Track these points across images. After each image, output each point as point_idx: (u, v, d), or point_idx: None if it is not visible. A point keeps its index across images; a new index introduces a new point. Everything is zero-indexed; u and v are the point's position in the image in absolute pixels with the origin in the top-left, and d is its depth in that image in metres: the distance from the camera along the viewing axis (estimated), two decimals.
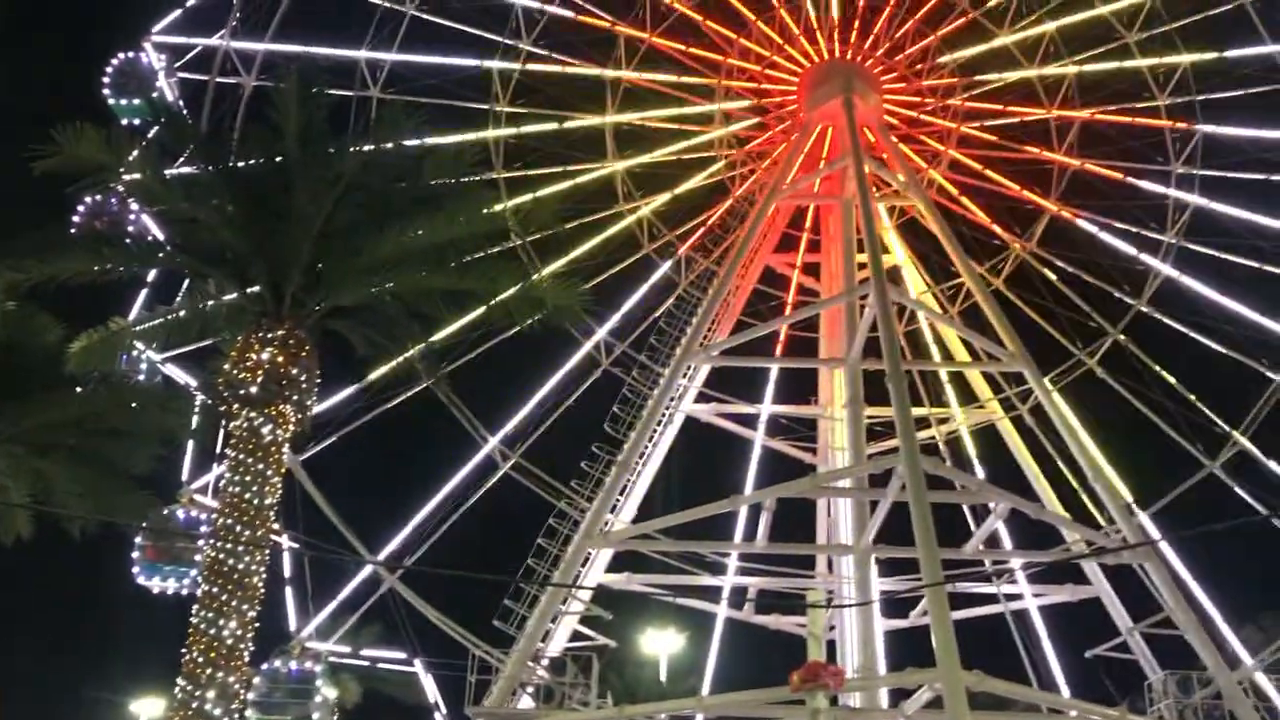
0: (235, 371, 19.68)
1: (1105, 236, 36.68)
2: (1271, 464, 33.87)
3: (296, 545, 31.11)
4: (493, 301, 22.10)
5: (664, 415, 31.71)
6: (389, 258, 20.57)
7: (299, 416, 19.96)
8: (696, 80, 37.43)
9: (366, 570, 32.46)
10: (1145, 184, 36.69)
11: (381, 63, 36.40)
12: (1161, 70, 36.61)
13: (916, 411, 32.74)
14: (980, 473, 34.97)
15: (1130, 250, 36.44)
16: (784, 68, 37.63)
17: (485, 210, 22.82)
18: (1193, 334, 35.43)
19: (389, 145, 21.58)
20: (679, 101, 37.42)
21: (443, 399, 34.02)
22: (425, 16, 36.82)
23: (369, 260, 20.41)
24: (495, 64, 36.78)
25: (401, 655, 32.97)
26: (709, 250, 36.79)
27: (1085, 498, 31.33)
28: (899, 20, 37.49)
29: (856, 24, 37.61)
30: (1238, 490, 33.85)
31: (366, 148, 21.41)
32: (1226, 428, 34.53)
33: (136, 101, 33.71)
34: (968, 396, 36.24)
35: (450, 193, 21.92)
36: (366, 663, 34.03)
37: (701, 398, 34.04)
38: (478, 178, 26.55)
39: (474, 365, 33.62)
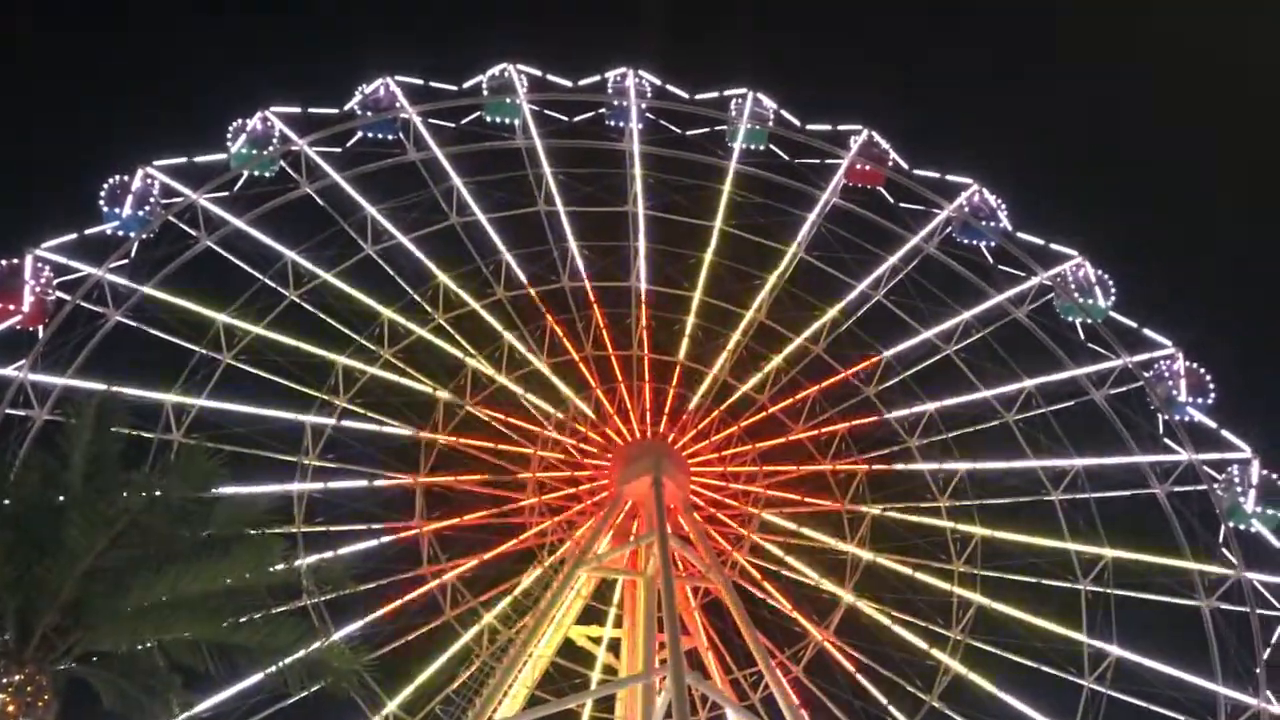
0: None
1: (898, 629, 37.66)
2: None
3: None
4: (270, 664, 20.54)
5: None
6: (158, 604, 19.09)
7: None
8: (512, 448, 38.09)
9: None
10: (931, 580, 38.35)
11: (189, 407, 35.79)
12: (941, 474, 39.52)
13: None
14: None
15: (921, 644, 37.40)
16: (598, 443, 38.86)
17: (273, 564, 21.72)
18: None
19: (179, 488, 20.72)
20: (493, 467, 37.78)
21: None
22: (242, 366, 36.92)
23: (136, 604, 18.90)
24: (309, 419, 36.67)
25: None
26: (512, 619, 35.78)
27: None
28: (705, 409, 39.70)
29: (668, 408, 39.62)
30: None
31: (157, 490, 20.47)
32: None
33: None
34: None
35: (240, 542, 20.92)
36: None
37: None
38: (274, 530, 25.52)
39: None
